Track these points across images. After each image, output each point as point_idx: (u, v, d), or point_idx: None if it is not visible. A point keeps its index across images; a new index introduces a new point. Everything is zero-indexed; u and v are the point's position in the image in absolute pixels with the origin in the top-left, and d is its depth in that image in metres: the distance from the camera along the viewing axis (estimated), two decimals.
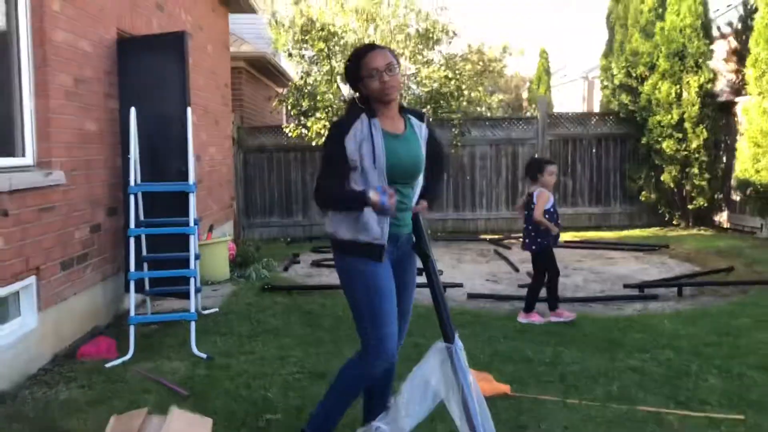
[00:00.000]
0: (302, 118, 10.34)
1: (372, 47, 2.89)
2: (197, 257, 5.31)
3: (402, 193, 2.87)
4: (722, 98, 10.37)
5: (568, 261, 8.43)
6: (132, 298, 4.98)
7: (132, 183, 5.23)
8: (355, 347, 4.73)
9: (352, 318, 2.97)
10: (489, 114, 12.31)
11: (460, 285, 6.83)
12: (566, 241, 9.88)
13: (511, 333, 5.15)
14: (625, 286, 6.76)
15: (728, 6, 13.44)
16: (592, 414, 3.58)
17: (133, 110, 5.34)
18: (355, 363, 2.97)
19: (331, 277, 7.60)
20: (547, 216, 5.31)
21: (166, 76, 5.75)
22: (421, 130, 3.00)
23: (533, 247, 5.42)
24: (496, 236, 10.57)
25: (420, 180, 2.99)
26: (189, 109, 5.59)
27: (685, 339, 4.88)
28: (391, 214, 2.73)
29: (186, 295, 5.21)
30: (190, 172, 5.47)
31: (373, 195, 2.66)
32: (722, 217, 10.46)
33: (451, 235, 10.77)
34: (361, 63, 2.83)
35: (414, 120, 2.99)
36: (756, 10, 9.55)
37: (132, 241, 5.05)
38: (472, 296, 6.37)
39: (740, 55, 10.53)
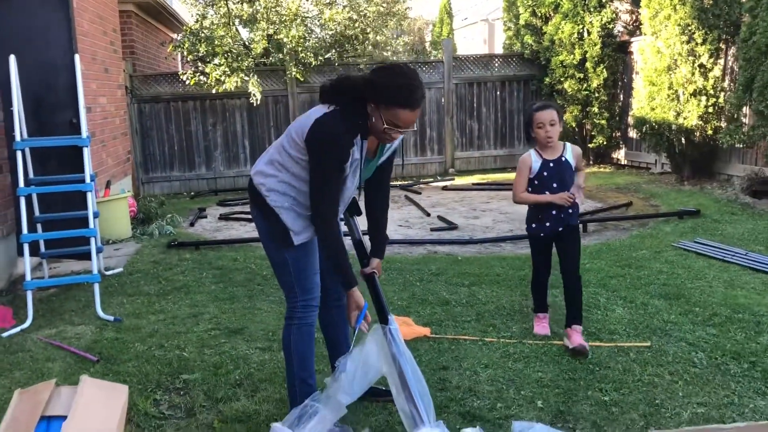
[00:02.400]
0: (200, 64, 9.86)
1: (415, 102, 2.53)
2: (96, 215, 5.00)
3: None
4: (619, 39, 10.68)
5: (477, 203, 8.58)
6: (27, 262, 4.64)
7: (17, 138, 4.81)
8: (269, 300, 4.68)
9: (274, 274, 2.87)
10: (395, 58, 12.19)
11: None
12: (474, 184, 10.06)
13: (427, 276, 5.18)
14: None
15: None
16: (510, 351, 3.67)
17: (12, 58, 4.87)
18: (290, 327, 2.85)
19: (241, 230, 7.40)
20: (535, 184, 3.69)
21: (48, 21, 5.28)
22: (394, 143, 2.83)
23: (525, 227, 3.90)
24: (406, 182, 10.60)
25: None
26: (77, 56, 5.17)
27: (592, 273, 5.07)
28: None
29: (86, 256, 4.92)
30: (82, 124, 5.09)
31: (357, 299, 2.64)
32: (620, 155, 10.91)
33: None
34: (396, 111, 2.51)
35: None
36: None
37: (22, 201, 4.68)
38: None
39: None
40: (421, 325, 4.07)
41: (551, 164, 3.63)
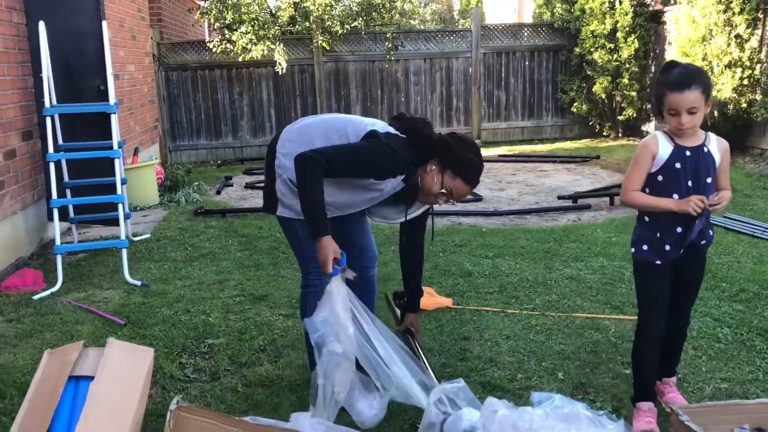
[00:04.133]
0: (227, 31, 9.85)
1: (477, 183, 2.68)
2: (124, 182, 5.07)
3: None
4: (652, 8, 10.41)
5: (503, 175, 8.51)
6: (56, 227, 4.73)
7: (47, 104, 4.87)
8: (293, 267, 4.73)
9: (294, 253, 2.89)
10: (423, 26, 12.04)
11: None
12: (500, 155, 9.97)
13: (450, 247, 5.18)
14: (559, 197, 6.88)
15: None
16: (532, 323, 3.67)
17: (42, 24, 4.91)
18: (305, 295, 2.85)
19: None
20: (658, 182, 2.51)
21: None
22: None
23: (632, 250, 2.66)
24: None
25: None
26: (104, 23, 5.19)
27: (617, 246, 5.02)
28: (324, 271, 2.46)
29: (114, 222, 5.00)
30: (110, 91, 5.14)
31: (325, 246, 2.40)
32: (650, 127, 10.71)
33: None
34: (459, 183, 2.59)
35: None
36: None
37: (52, 166, 4.74)
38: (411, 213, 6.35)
39: None
40: (444, 296, 4.08)
41: (688, 153, 2.46)
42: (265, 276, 4.60)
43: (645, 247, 2.59)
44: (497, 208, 6.61)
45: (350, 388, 2.46)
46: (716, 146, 2.51)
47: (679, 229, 2.51)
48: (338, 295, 2.38)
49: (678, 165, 2.47)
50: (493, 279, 4.41)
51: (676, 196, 2.47)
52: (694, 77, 2.39)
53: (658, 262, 2.56)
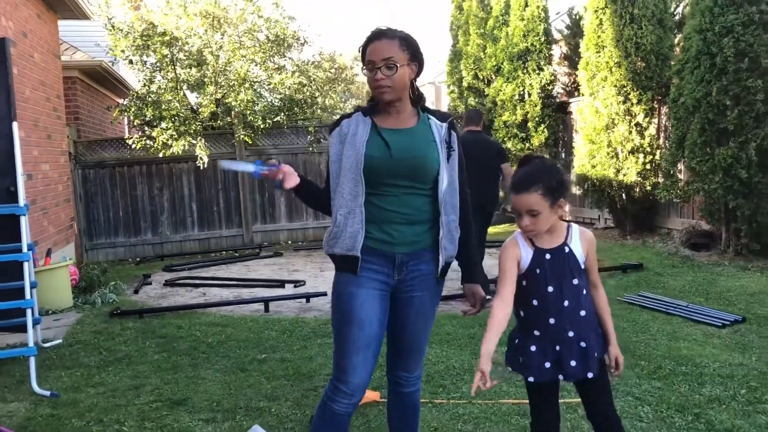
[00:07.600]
0: (147, 128, 9.82)
1: (378, 35, 2.47)
2: (34, 285, 4.83)
3: (401, 200, 2.48)
4: (558, 99, 11.08)
5: None
6: None
7: None
8: (214, 368, 4.56)
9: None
10: None
11: (323, 294, 6.74)
12: None
13: None
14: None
15: (557, 13, 14.43)
16: (459, 412, 3.63)
17: None
18: (319, 400, 2.63)
19: (187, 296, 7.23)
20: (523, 287, 2.37)
21: None
22: (441, 129, 2.55)
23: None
24: None
25: (444, 188, 2.51)
26: (15, 124, 5.08)
27: None
28: (280, 185, 2.59)
29: (22, 329, 4.72)
30: (20, 192, 4.97)
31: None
32: (564, 211, 11.15)
33: (312, 244, 10.67)
34: (365, 49, 2.49)
35: (434, 119, 2.57)
36: (581, 18, 10.32)
37: None
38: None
39: (571, 59, 11.32)
40: (371, 389, 4.00)
41: (548, 256, 2.33)
42: (184, 378, 4.41)
43: (508, 355, 2.45)
44: None
45: None
46: (579, 242, 2.36)
47: (533, 348, 2.35)
48: None
49: (538, 271, 2.32)
50: None
51: (535, 302, 2.33)
52: (535, 179, 2.27)
53: (531, 379, 2.38)
